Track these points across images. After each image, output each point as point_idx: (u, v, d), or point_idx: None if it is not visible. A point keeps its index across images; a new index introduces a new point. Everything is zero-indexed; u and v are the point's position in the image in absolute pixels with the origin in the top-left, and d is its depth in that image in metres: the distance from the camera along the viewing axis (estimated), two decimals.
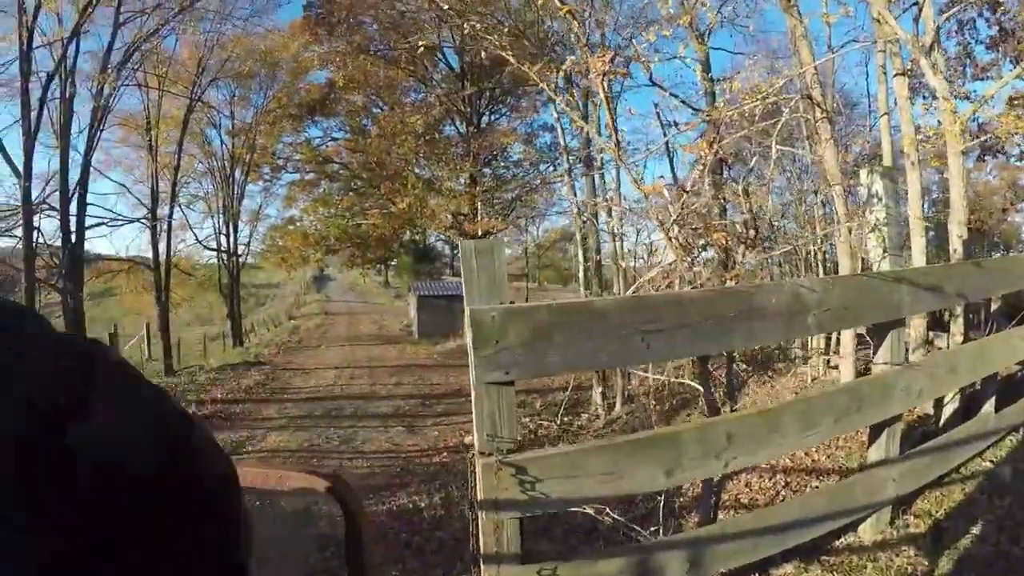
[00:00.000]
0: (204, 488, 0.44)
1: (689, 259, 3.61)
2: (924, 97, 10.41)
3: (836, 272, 8.46)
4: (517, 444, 2.20)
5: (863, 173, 3.90)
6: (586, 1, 12.72)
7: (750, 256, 4.45)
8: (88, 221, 18.03)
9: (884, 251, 3.97)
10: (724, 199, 6.46)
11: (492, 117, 25.91)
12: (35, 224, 15.77)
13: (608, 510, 3.44)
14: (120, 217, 20.49)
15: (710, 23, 12.11)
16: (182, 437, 0.43)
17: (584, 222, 15.56)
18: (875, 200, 3.78)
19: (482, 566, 2.16)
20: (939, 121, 6.58)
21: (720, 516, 4.29)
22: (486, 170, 24.71)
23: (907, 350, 3.47)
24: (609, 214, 13.77)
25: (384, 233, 25.20)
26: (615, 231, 13.40)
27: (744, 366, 4.65)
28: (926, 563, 2.86)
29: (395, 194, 22.90)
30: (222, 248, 25.70)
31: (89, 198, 17.98)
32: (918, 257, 6.37)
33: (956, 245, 5.65)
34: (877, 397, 2.95)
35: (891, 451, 3.05)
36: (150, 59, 19.67)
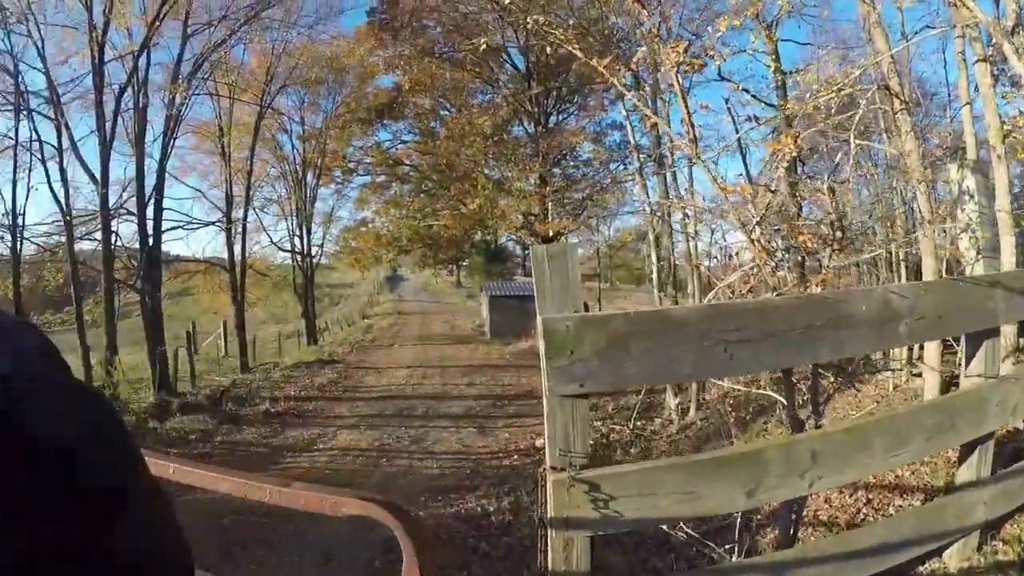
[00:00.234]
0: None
1: (773, 263, 3.37)
2: (1006, 84, 9.70)
3: (917, 275, 7.92)
4: (590, 459, 2.10)
5: (952, 168, 3.58)
6: None
7: (837, 260, 4.16)
8: (165, 225, 18.81)
9: (978, 253, 3.65)
10: (801, 197, 6.15)
11: (560, 117, 25.68)
12: (113, 228, 16.70)
13: (682, 523, 3.32)
14: (195, 220, 21.24)
15: (777, 13, 11.67)
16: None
17: (657, 222, 15.22)
18: (966, 197, 3.47)
19: None
20: (1021, 111, 6.06)
21: (799, 534, 4.05)
22: (555, 170, 24.48)
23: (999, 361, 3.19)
24: (683, 214, 13.40)
25: (455, 234, 25.31)
26: (690, 231, 13.05)
27: (832, 379, 4.34)
28: None
29: (465, 195, 23.03)
30: (296, 249, 26.34)
31: (166, 203, 18.74)
32: (1007, 258, 5.89)
33: None
34: (971, 413, 2.73)
35: (983, 471, 2.82)
36: (219, 68, 20.31)
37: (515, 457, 9.95)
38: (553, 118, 24.80)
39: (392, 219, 27.31)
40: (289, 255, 26.81)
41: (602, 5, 14.84)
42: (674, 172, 16.52)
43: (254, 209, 24.23)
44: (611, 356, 2.02)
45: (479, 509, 7.50)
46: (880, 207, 10.77)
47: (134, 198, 17.33)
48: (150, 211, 17.72)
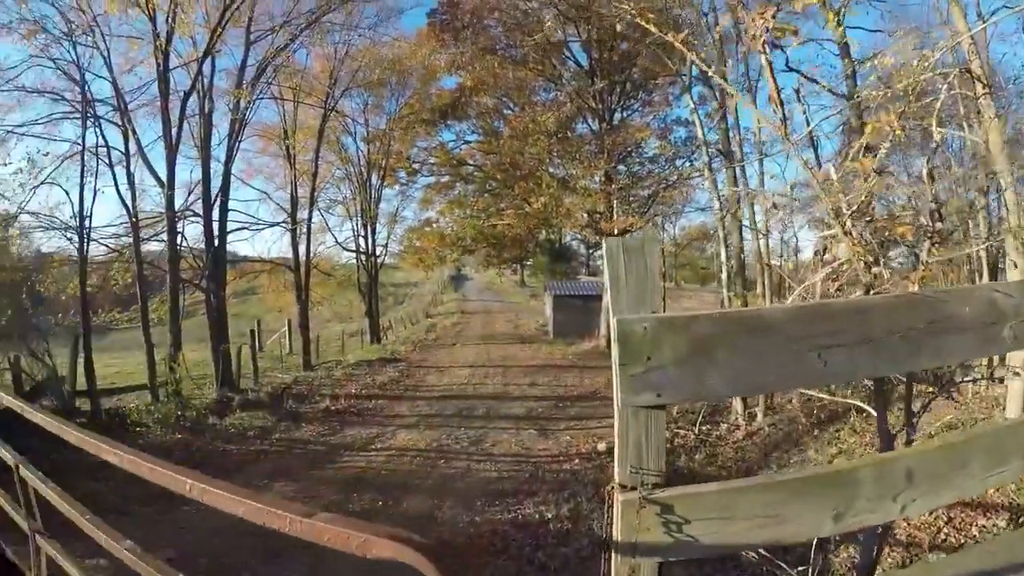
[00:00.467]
0: None
1: (871, 258, 3.00)
2: None
3: (993, 275, 7.25)
4: (664, 478, 1.83)
5: None
6: None
7: (936, 254, 3.73)
8: (230, 226, 19.31)
9: None
10: (885, 187, 5.67)
11: (624, 113, 25.08)
12: (179, 229, 17.21)
13: None
14: (260, 221, 21.62)
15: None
16: None
17: (728, 218, 14.66)
18: None
19: None
20: None
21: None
22: (621, 167, 23.94)
23: None
24: (753, 210, 12.84)
25: (519, 233, 25.25)
26: (760, 228, 12.48)
27: (928, 388, 3.93)
28: None
29: (530, 194, 22.88)
30: (361, 249, 26.71)
31: (231, 204, 19.24)
32: None
33: None
34: None
35: None
36: (283, 72, 20.66)
37: (576, 461, 9.68)
38: (617, 115, 24.27)
39: (456, 219, 27.44)
40: (354, 255, 27.23)
41: None
42: (743, 167, 15.93)
43: (319, 210, 24.65)
44: (693, 363, 1.73)
45: (537, 516, 7.29)
46: (955, 201, 10.04)
47: (200, 200, 17.85)
48: (216, 213, 18.24)
